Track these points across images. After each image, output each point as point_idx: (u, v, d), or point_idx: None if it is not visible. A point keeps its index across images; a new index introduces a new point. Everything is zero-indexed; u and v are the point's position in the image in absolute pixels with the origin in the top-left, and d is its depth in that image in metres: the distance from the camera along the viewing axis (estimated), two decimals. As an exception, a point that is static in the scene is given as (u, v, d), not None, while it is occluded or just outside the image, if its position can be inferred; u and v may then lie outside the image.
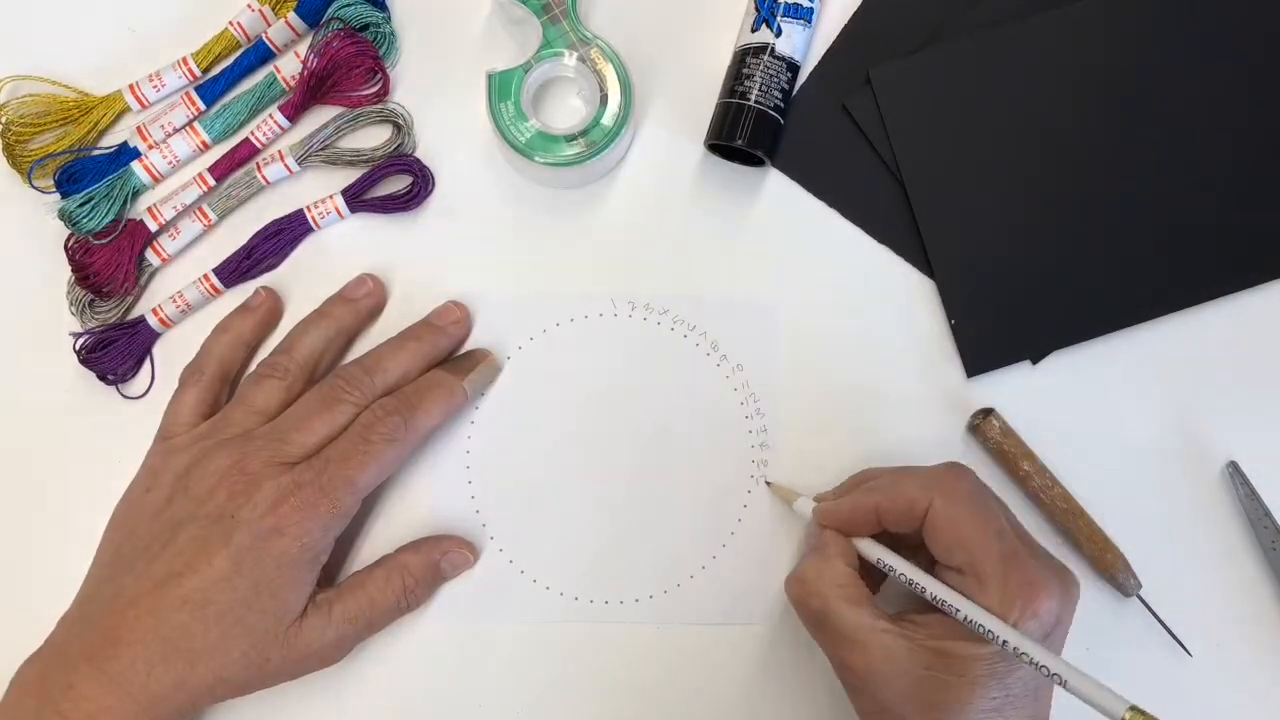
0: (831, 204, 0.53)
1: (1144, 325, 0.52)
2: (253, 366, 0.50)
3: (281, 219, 0.52)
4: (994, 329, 0.52)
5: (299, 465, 0.45)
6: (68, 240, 0.51)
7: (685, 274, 0.52)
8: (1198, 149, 0.52)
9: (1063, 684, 0.39)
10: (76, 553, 0.47)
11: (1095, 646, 0.50)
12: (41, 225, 0.52)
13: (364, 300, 0.51)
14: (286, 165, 0.52)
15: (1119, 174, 0.52)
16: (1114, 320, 0.52)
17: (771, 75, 0.51)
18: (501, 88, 0.50)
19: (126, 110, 0.53)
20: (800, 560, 0.47)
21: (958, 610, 0.41)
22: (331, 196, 0.52)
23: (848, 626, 0.43)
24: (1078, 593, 0.43)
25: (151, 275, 0.52)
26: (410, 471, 0.51)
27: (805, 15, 0.52)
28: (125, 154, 0.52)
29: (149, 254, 0.52)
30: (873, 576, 0.45)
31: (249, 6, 0.53)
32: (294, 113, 0.52)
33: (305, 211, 0.52)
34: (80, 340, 0.51)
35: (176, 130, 0.52)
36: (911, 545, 0.45)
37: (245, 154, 0.52)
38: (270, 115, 0.52)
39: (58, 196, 0.51)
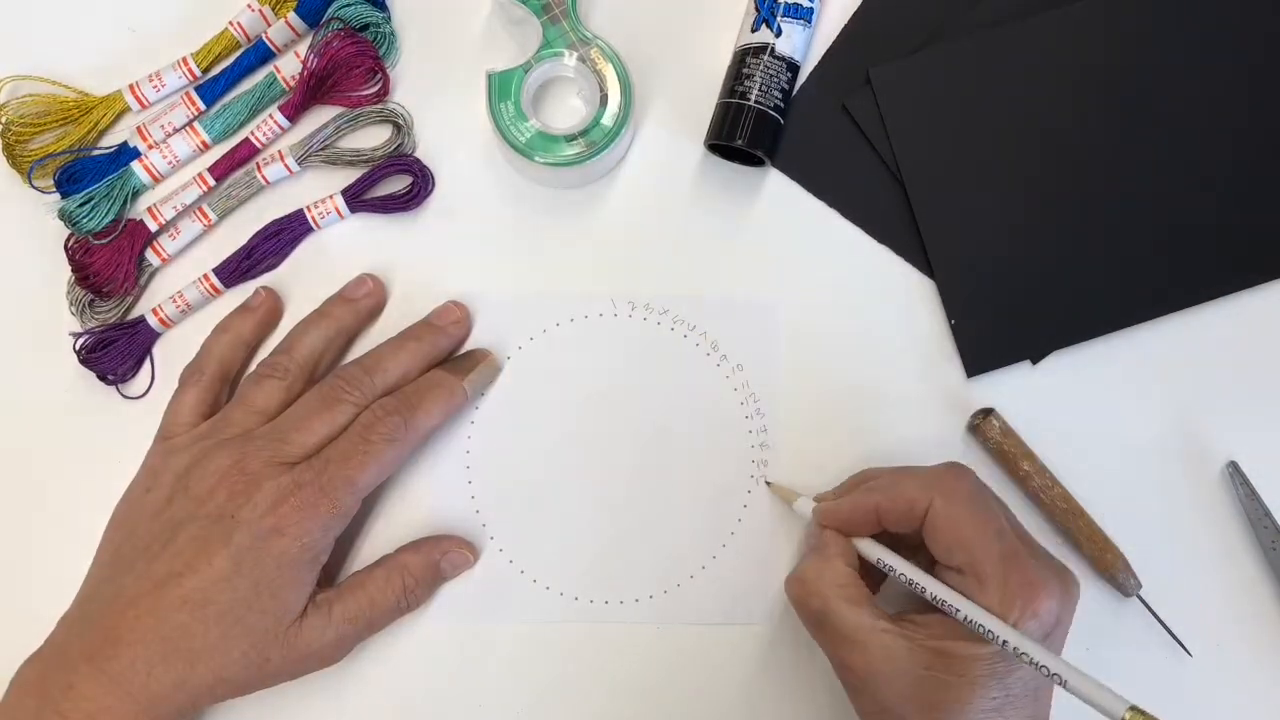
0: (831, 204, 0.53)
1: (1144, 325, 0.52)
2: (253, 366, 0.50)
3: (281, 219, 0.52)
4: (994, 329, 0.52)
5: (299, 465, 0.45)
6: (68, 240, 0.51)
7: (685, 274, 0.52)
8: (1198, 149, 0.52)
9: (1063, 684, 0.39)
10: (76, 553, 0.47)
11: (1095, 646, 0.50)
12: (41, 225, 0.52)
13: (364, 300, 0.51)
14: (286, 165, 0.52)
15: (1119, 174, 0.52)
16: (1114, 320, 0.52)
17: (771, 75, 0.51)
18: (501, 88, 0.50)
19: (126, 110, 0.53)
20: (800, 560, 0.47)
21: (957, 610, 0.41)
22: (331, 196, 0.52)
23: (848, 626, 0.43)
24: (1078, 593, 0.43)
25: (151, 275, 0.52)
26: (410, 471, 0.51)
27: (805, 15, 0.52)
28: (125, 154, 0.52)
29: (149, 254, 0.52)
30: (873, 576, 0.45)
31: (249, 6, 0.53)
32: (294, 113, 0.52)
33: (305, 211, 0.52)
34: (80, 340, 0.51)
35: (176, 130, 0.52)
36: (911, 545, 0.45)
37: (245, 154, 0.52)
38: (270, 115, 0.52)
39: (58, 196, 0.51)
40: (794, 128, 0.53)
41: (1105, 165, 0.52)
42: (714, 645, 0.50)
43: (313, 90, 0.52)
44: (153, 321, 0.51)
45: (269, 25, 0.53)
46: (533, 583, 0.51)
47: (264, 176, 0.52)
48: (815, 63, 0.54)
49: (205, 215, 0.52)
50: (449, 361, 0.51)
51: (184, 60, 0.52)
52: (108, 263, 0.50)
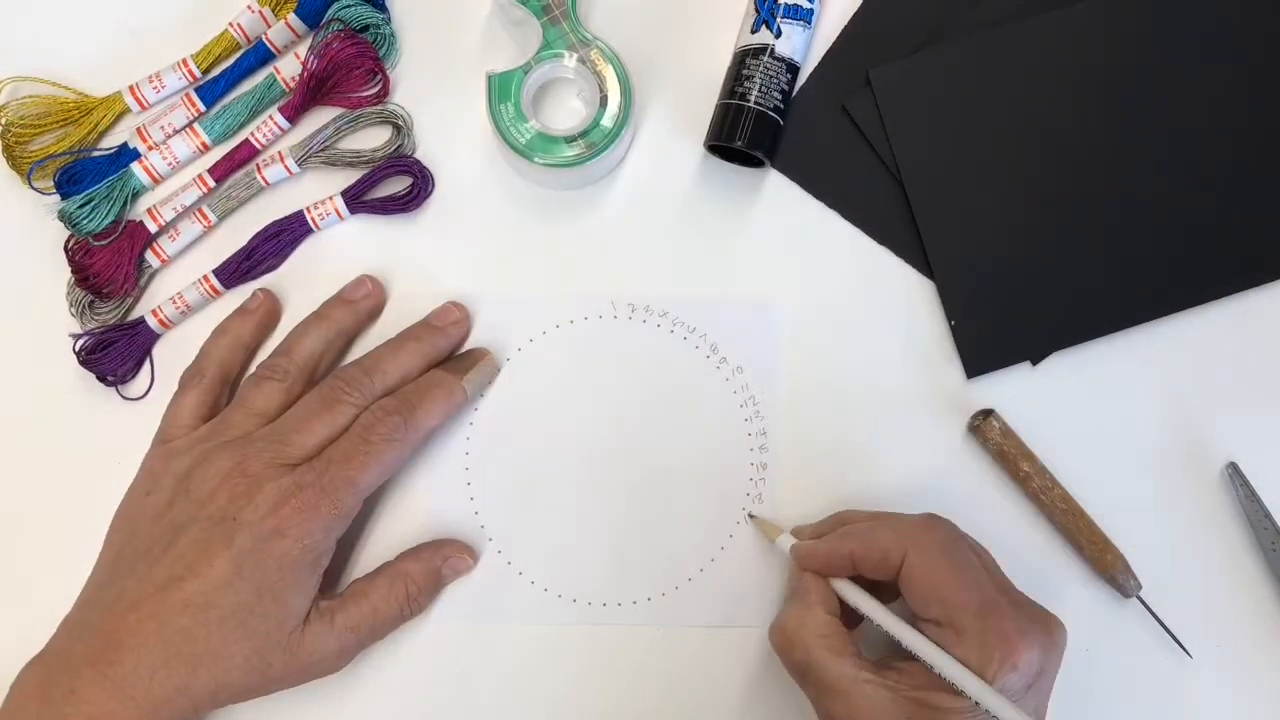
0: (831, 205, 0.53)
1: (1144, 325, 0.52)
2: (252, 369, 0.50)
3: (281, 220, 0.52)
4: (994, 329, 0.52)
5: (300, 467, 0.45)
6: (67, 241, 0.51)
7: (685, 275, 0.52)
8: (1198, 149, 0.52)
9: None
10: (77, 555, 0.47)
11: (1095, 647, 0.50)
12: (41, 226, 0.52)
13: (363, 301, 0.51)
14: (286, 166, 0.52)
15: (1119, 174, 0.52)
16: (1114, 320, 0.52)
17: (771, 76, 0.51)
18: (501, 89, 0.50)
19: (126, 111, 0.53)
20: (782, 607, 0.47)
21: (932, 666, 0.41)
22: (331, 198, 0.52)
23: (830, 677, 0.42)
24: (1064, 639, 0.43)
25: (151, 276, 0.52)
26: (410, 473, 0.51)
27: (805, 16, 0.52)
28: (125, 155, 0.52)
29: (149, 255, 0.52)
30: (856, 612, 0.45)
31: (249, 8, 0.53)
32: (294, 114, 0.52)
33: (305, 213, 0.52)
34: (80, 341, 0.51)
35: (176, 131, 0.52)
36: (893, 588, 0.44)
37: (245, 155, 0.52)
38: (270, 116, 0.52)
39: (58, 198, 0.51)
40: (794, 129, 0.53)
41: (1105, 165, 0.52)
42: (713, 647, 0.50)
43: (313, 91, 0.52)
44: (152, 323, 0.51)
45: (269, 26, 0.53)
46: (531, 585, 0.51)
47: (264, 178, 0.52)
48: (815, 64, 0.54)
49: (205, 216, 0.52)
50: (448, 361, 0.51)
51: (184, 61, 0.52)
52: (107, 264, 0.50)
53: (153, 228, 0.51)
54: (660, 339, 0.52)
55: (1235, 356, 0.52)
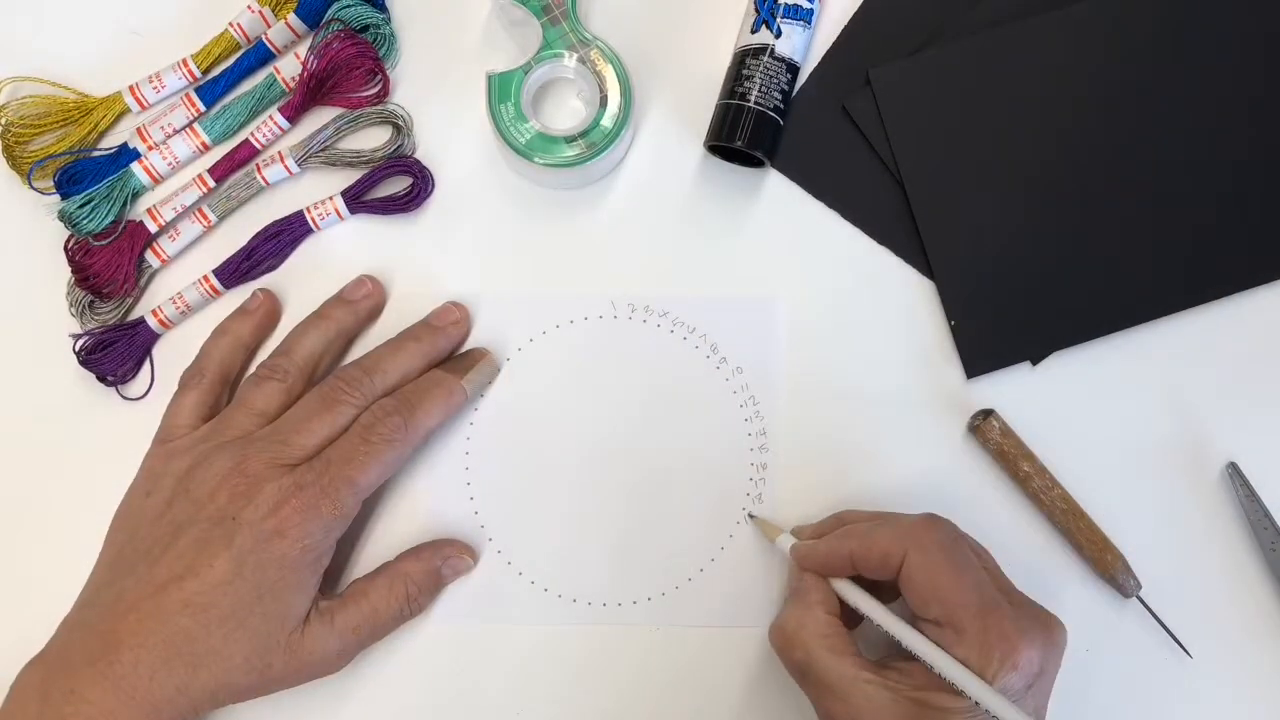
0: (831, 205, 0.53)
1: (1144, 325, 0.52)
2: (252, 369, 0.50)
3: (281, 220, 0.52)
4: (994, 330, 0.52)
5: (300, 467, 0.45)
6: (67, 241, 0.51)
7: (685, 275, 0.52)
8: (1198, 149, 0.52)
9: None
10: (77, 555, 0.47)
11: (1095, 648, 0.50)
12: (41, 226, 0.52)
13: (363, 301, 0.51)
14: (286, 166, 0.52)
15: (1119, 174, 0.52)
16: (1114, 320, 0.52)
17: (771, 76, 0.51)
18: (501, 89, 0.50)
19: (126, 111, 0.53)
20: (782, 607, 0.47)
21: (932, 664, 0.41)
22: (331, 198, 0.52)
23: (830, 677, 0.42)
24: (1064, 639, 0.43)
25: (151, 277, 0.52)
26: (409, 473, 0.51)
27: (805, 16, 0.52)
28: (125, 155, 0.52)
29: (149, 255, 0.52)
30: (856, 612, 0.45)
31: (249, 8, 0.53)
32: (294, 114, 0.52)
33: (305, 213, 0.52)
34: (80, 341, 0.51)
35: (176, 131, 0.52)
36: (893, 588, 0.44)
37: (245, 155, 0.52)
38: (270, 116, 0.52)
39: (58, 198, 0.51)
40: (794, 129, 0.53)
41: (1105, 165, 0.52)
42: (713, 647, 0.50)
43: (313, 91, 0.52)
44: (152, 323, 0.51)
45: (269, 26, 0.53)
46: (531, 585, 0.51)
47: (264, 178, 0.52)
48: (815, 64, 0.54)
49: (205, 216, 0.52)
50: (448, 361, 0.51)
51: (184, 61, 0.52)
52: (107, 264, 0.50)
53: (153, 228, 0.51)
54: (660, 339, 0.52)
55: (1235, 356, 0.52)
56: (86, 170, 0.51)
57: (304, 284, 0.52)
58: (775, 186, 0.53)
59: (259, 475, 0.45)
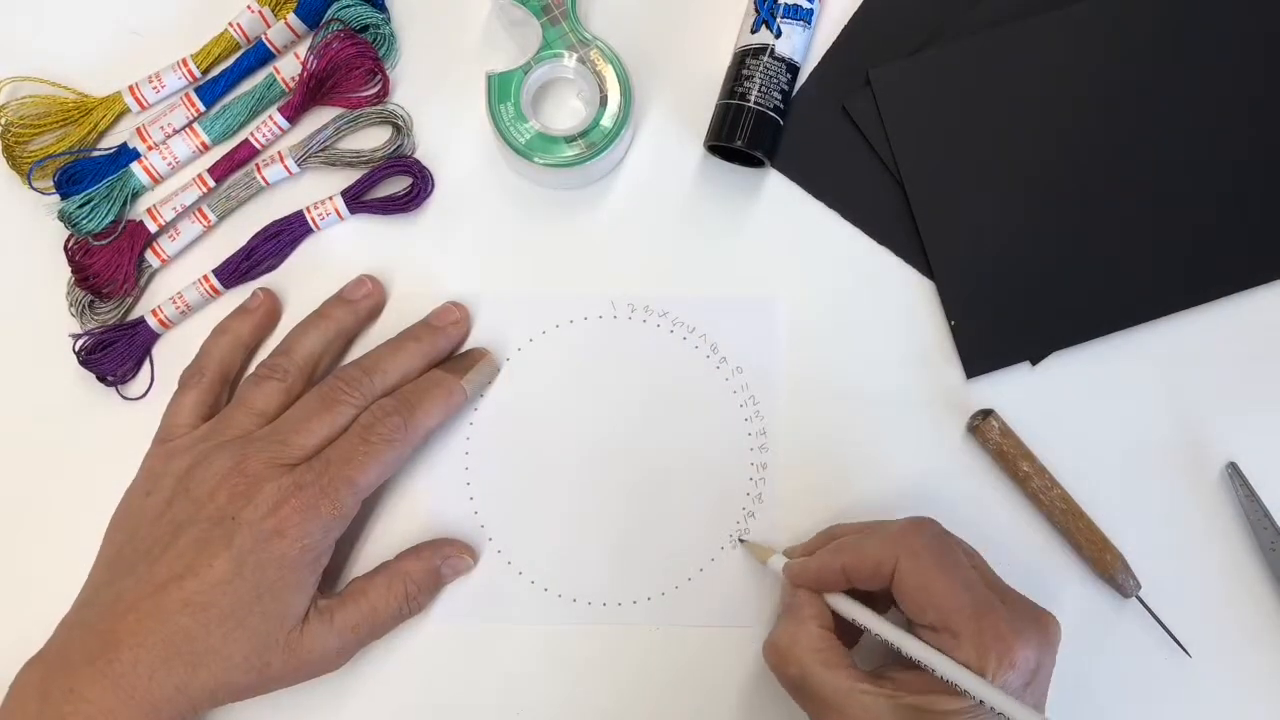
0: (831, 205, 0.53)
1: (1144, 325, 0.52)
2: (252, 368, 0.50)
3: (281, 220, 0.52)
4: (994, 330, 0.52)
5: (300, 467, 0.45)
6: (67, 241, 0.51)
7: (685, 275, 0.52)
8: (1198, 149, 0.52)
9: None
10: (76, 554, 0.47)
11: (1094, 648, 0.50)
12: (41, 226, 0.52)
13: (363, 301, 0.51)
14: (286, 166, 0.52)
15: (1119, 174, 0.52)
16: (1114, 320, 0.52)
17: (771, 76, 0.51)
18: (501, 89, 0.50)
19: (126, 111, 0.53)
20: (775, 624, 0.46)
21: (933, 668, 0.41)
22: (331, 198, 0.52)
23: (826, 690, 0.42)
24: (1058, 635, 0.43)
25: (151, 276, 0.53)
26: (409, 473, 0.51)
27: (805, 16, 0.52)
28: (125, 155, 0.52)
29: (149, 255, 0.52)
30: (851, 630, 0.45)
31: (249, 8, 0.53)
32: (294, 114, 0.52)
33: (305, 213, 0.52)
34: (80, 341, 0.51)
35: (176, 131, 0.52)
36: (887, 598, 0.44)
37: (245, 155, 0.52)
38: (270, 116, 0.52)
39: (57, 198, 0.51)
40: (794, 129, 0.53)
41: (1105, 165, 0.52)
42: (713, 647, 0.50)
43: (312, 91, 0.52)
44: (152, 323, 0.51)
45: (269, 26, 0.53)
46: (531, 585, 0.51)
47: (264, 178, 0.52)
48: (815, 64, 0.54)
49: (205, 216, 0.52)
50: (448, 361, 0.51)
51: (184, 61, 0.52)
52: (107, 264, 0.50)
53: (153, 228, 0.51)
54: (660, 339, 0.52)
55: (1235, 356, 0.52)
56: (86, 170, 0.51)
57: (304, 284, 0.52)
58: (775, 186, 0.53)
59: (258, 475, 0.45)
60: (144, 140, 0.52)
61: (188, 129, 0.52)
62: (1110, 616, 0.50)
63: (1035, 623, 0.42)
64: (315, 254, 0.53)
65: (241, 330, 0.51)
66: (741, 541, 0.51)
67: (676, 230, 0.53)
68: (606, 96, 0.50)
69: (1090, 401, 0.52)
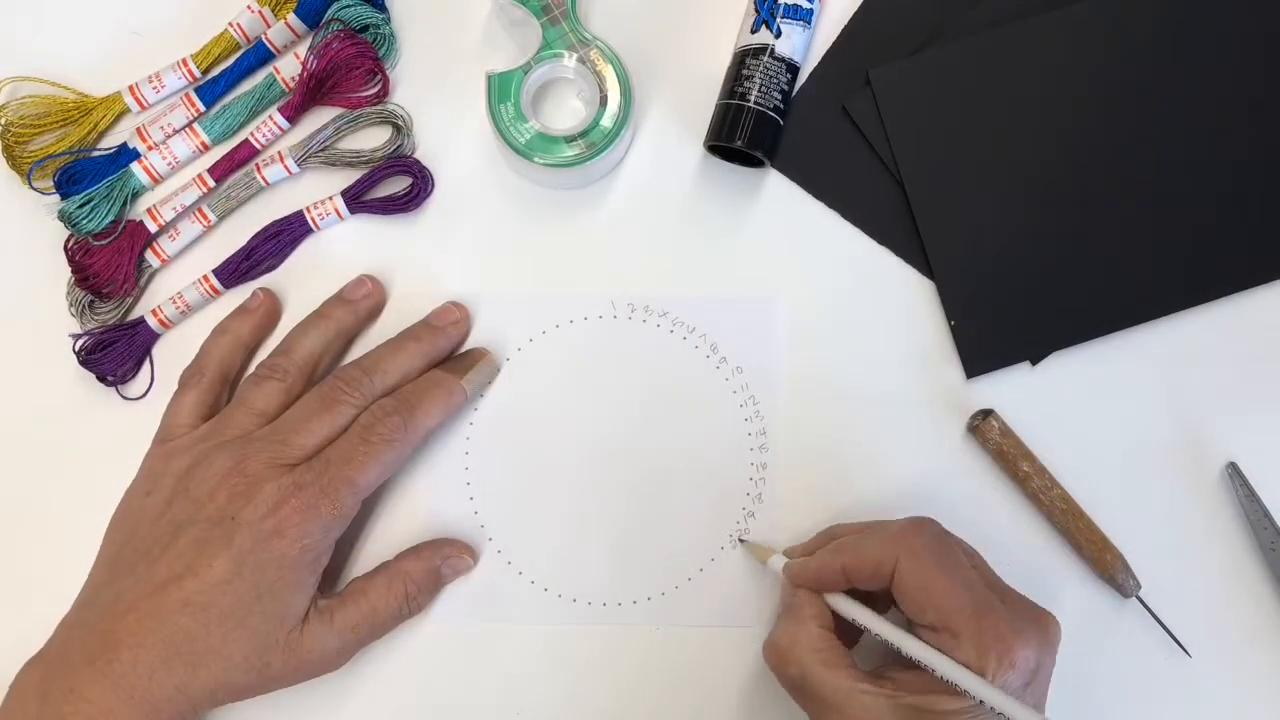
0: (831, 205, 0.53)
1: (1144, 325, 0.52)
2: (252, 368, 0.50)
3: (281, 220, 0.52)
4: (994, 330, 0.52)
5: (299, 467, 0.45)
6: (67, 241, 0.51)
7: (685, 275, 0.52)
8: (1198, 149, 0.52)
9: None
10: (77, 554, 0.47)
11: (1095, 648, 0.50)
12: (41, 226, 0.52)
13: (363, 301, 0.51)
14: (286, 166, 0.52)
15: (1119, 174, 0.52)
16: (1114, 320, 0.52)
17: (771, 76, 0.51)
18: (501, 89, 0.50)
19: (126, 111, 0.53)
20: (775, 624, 0.46)
21: (933, 668, 0.41)
22: (331, 198, 0.52)
23: (826, 690, 0.42)
24: (1058, 634, 0.43)
25: (151, 276, 0.52)
26: (409, 473, 0.51)
27: (805, 16, 0.52)
28: (125, 155, 0.52)
29: (148, 255, 0.52)
30: (851, 630, 0.45)
31: (249, 8, 0.53)
32: (294, 114, 0.52)
33: (305, 213, 0.52)
34: (80, 341, 0.51)
35: (176, 131, 0.52)
36: (887, 598, 0.44)
37: (245, 155, 0.52)
38: (270, 116, 0.52)
39: (57, 198, 0.51)
40: (794, 129, 0.53)
41: (1105, 165, 0.52)
42: (713, 647, 0.50)
43: (312, 91, 0.52)
44: (152, 323, 0.51)
45: (269, 26, 0.53)
46: (531, 585, 0.51)
47: (264, 178, 0.52)
48: (815, 64, 0.54)
49: (205, 216, 0.52)
50: (448, 361, 0.51)
51: (184, 61, 0.52)
52: (107, 264, 0.50)
53: (153, 228, 0.51)
54: (660, 339, 0.52)
55: (1235, 356, 0.52)
56: (86, 170, 0.51)
57: (304, 284, 0.52)
58: (775, 186, 0.53)
59: (258, 475, 0.45)
60: (144, 140, 0.52)
61: (188, 129, 0.52)
62: (1110, 616, 0.50)
63: (1035, 623, 0.42)
64: (315, 254, 0.53)
65: (241, 330, 0.51)
66: (741, 541, 0.51)
67: (676, 230, 0.53)
68: (606, 96, 0.50)
69: (1090, 401, 0.52)
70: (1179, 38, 0.53)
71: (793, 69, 0.52)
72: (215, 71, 0.53)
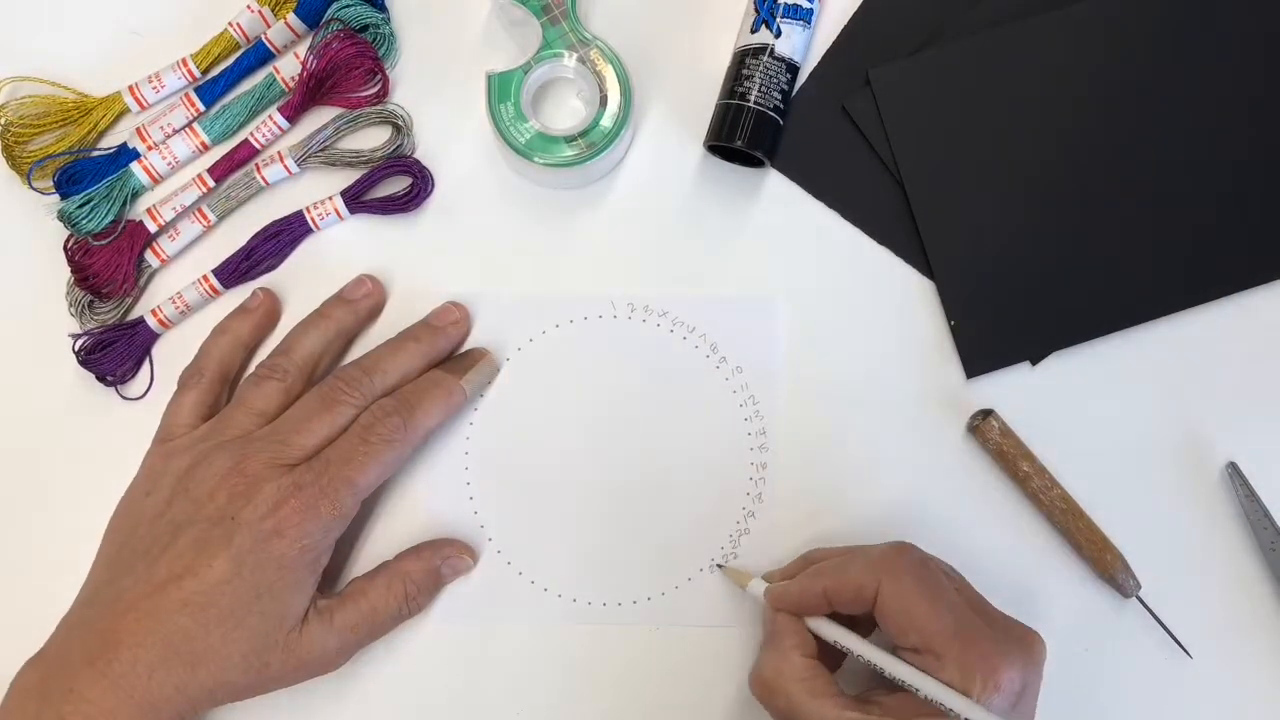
0: (831, 205, 0.53)
1: (1144, 325, 0.52)
2: (252, 368, 0.50)
3: (281, 220, 0.52)
4: (994, 330, 0.52)
5: (299, 467, 0.45)
6: (67, 241, 0.51)
7: (685, 275, 0.52)
8: (1197, 149, 0.52)
9: None
10: (76, 554, 0.47)
11: (1094, 648, 0.50)
12: (41, 226, 0.52)
13: (363, 301, 0.51)
14: (286, 166, 0.52)
15: (1119, 174, 0.52)
16: (1114, 321, 0.52)
17: (771, 76, 0.51)
18: (501, 89, 0.50)
19: (126, 111, 0.53)
20: (758, 654, 0.46)
21: (918, 689, 0.41)
22: (331, 198, 0.52)
23: (814, 719, 0.42)
24: (1043, 654, 0.43)
25: (151, 276, 0.52)
26: (409, 473, 0.51)
27: (805, 16, 0.52)
28: (124, 155, 0.52)
29: (148, 255, 0.52)
30: (834, 653, 0.45)
31: (248, 7, 0.53)
32: (293, 114, 0.52)
33: (305, 213, 0.52)
34: (79, 341, 0.51)
35: (176, 131, 0.52)
36: (869, 621, 0.44)
37: (245, 155, 0.52)
38: (270, 116, 0.52)
39: (57, 198, 0.51)
40: (793, 129, 0.53)
41: (1105, 165, 0.52)
42: (712, 647, 0.50)
43: (312, 91, 0.52)
44: (152, 323, 0.51)
45: (268, 26, 0.53)
46: (530, 584, 0.51)
47: (263, 178, 0.52)
48: (815, 64, 0.54)
49: (205, 216, 0.52)
50: (448, 361, 0.51)
51: (183, 61, 0.52)
52: (107, 264, 0.50)
53: (152, 228, 0.51)
54: (660, 339, 0.52)
55: (1235, 356, 0.52)
56: (86, 170, 0.51)
57: (304, 284, 0.52)
58: (775, 186, 0.53)
59: (258, 475, 0.45)
60: (144, 140, 0.52)
61: (187, 129, 0.52)
62: (1110, 616, 0.50)
63: (1020, 643, 0.42)
64: (315, 254, 0.53)
65: (241, 330, 0.51)
66: (720, 567, 0.50)
67: (676, 230, 0.53)
68: (606, 96, 0.50)
69: (1090, 401, 0.52)
70: (1179, 38, 0.53)
71: (793, 69, 0.52)
72: (215, 71, 0.53)
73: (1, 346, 0.52)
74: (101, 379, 0.51)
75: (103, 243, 0.51)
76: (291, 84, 0.52)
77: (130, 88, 0.52)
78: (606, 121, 0.50)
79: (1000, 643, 0.41)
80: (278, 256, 0.52)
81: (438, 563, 0.49)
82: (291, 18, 0.52)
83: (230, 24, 0.53)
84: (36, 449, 0.52)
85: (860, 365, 0.52)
